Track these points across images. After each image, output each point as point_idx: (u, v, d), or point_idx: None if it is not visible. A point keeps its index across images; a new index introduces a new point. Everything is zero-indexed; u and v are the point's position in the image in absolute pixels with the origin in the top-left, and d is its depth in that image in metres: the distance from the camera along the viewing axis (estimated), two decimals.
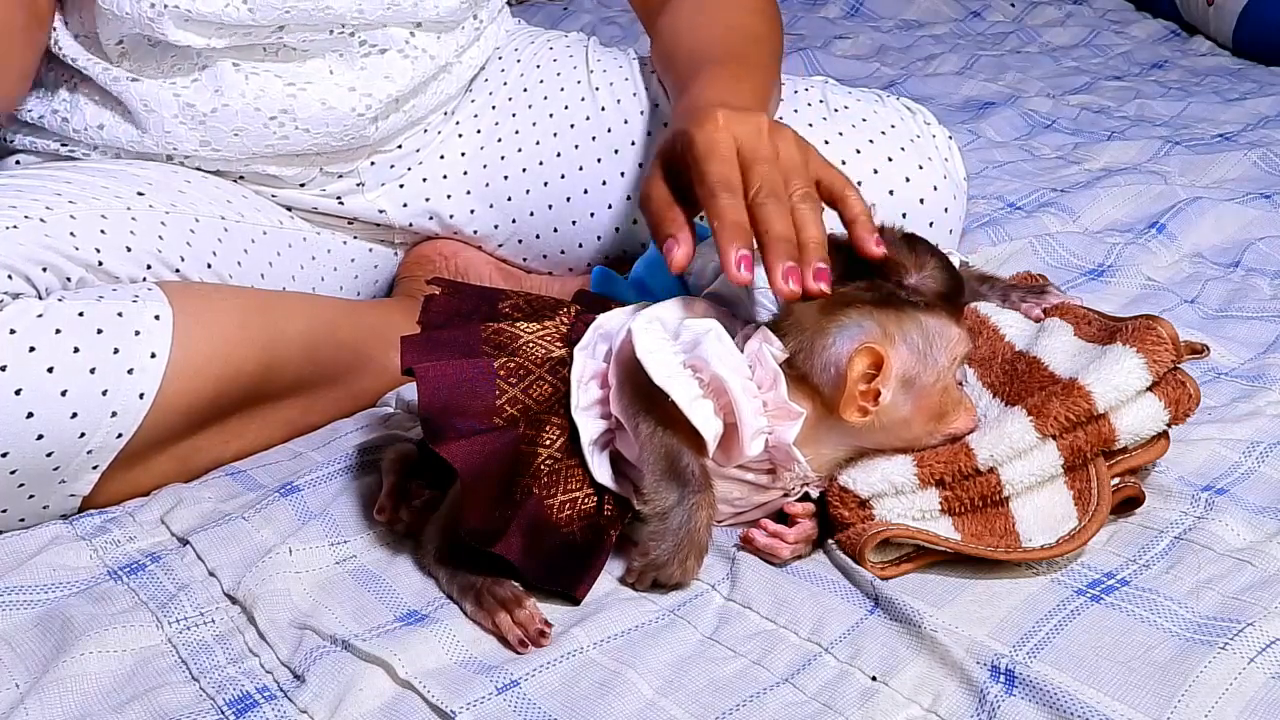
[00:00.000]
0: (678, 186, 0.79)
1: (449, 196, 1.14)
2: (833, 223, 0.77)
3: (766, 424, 0.73)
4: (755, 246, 0.73)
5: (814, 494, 0.77)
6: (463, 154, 1.14)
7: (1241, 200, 1.33)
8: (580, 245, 1.13)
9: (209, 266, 0.96)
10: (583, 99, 1.13)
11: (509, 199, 1.14)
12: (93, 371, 0.81)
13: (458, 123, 1.15)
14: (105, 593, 0.77)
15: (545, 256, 1.15)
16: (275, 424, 0.95)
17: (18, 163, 1.04)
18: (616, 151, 1.11)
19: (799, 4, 2.48)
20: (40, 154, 1.04)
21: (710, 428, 0.71)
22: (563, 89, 1.14)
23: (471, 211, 1.14)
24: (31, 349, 0.79)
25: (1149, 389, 0.76)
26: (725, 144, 0.76)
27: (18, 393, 0.78)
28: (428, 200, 1.14)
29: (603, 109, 1.12)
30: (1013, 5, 2.44)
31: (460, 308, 0.81)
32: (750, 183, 0.75)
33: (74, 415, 0.80)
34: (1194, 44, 2.18)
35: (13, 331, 0.79)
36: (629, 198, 1.10)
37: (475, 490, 0.71)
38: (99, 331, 0.82)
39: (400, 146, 1.11)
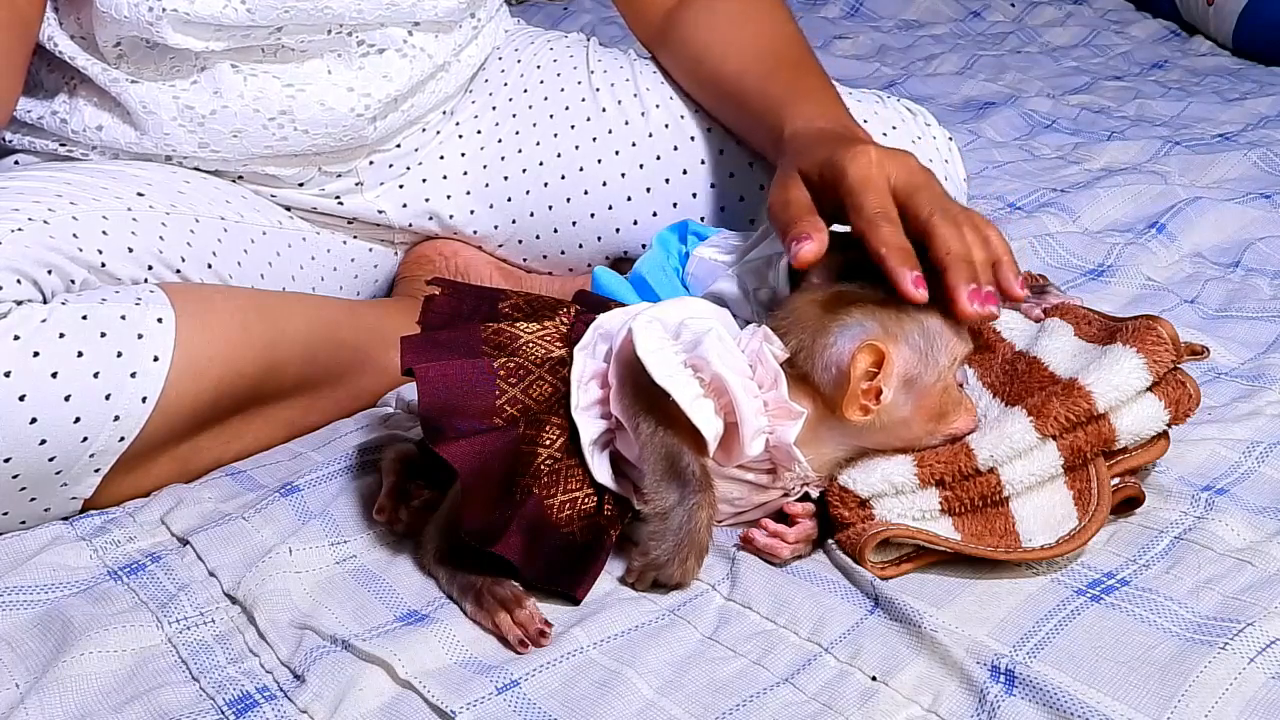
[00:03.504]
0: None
1: (449, 196, 1.14)
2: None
3: (767, 424, 0.73)
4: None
5: (814, 494, 0.77)
6: (462, 154, 1.14)
7: (1241, 200, 1.33)
8: (580, 245, 1.13)
9: (209, 267, 0.96)
10: (583, 99, 1.13)
11: (509, 199, 1.14)
12: (96, 375, 0.81)
13: (457, 123, 1.15)
14: (105, 593, 0.77)
15: (545, 257, 1.15)
16: (276, 424, 0.95)
17: (16, 163, 1.04)
18: (617, 152, 1.11)
19: (799, 4, 2.48)
20: (39, 154, 1.04)
21: (711, 427, 0.71)
22: (563, 89, 1.14)
23: (471, 211, 1.14)
24: (35, 354, 0.79)
25: (1149, 389, 0.76)
26: (880, 178, 0.79)
27: (22, 398, 0.78)
28: (427, 200, 1.14)
29: (603, 110, 1.12)
30: (1013, 5, 2.44)
31: (460, 308, 0.81)
32: (919, 207, 0.77)
33: (77, 419, 0.80)
34: (1194, 44, 2.18)
35: (17, 338, 0.79)
36: (629, 198, 1.10)
37: (475, 490, 0.71)
38: (102, 335, 0.82)
39: (399, 146, 1.11)
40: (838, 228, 0.79)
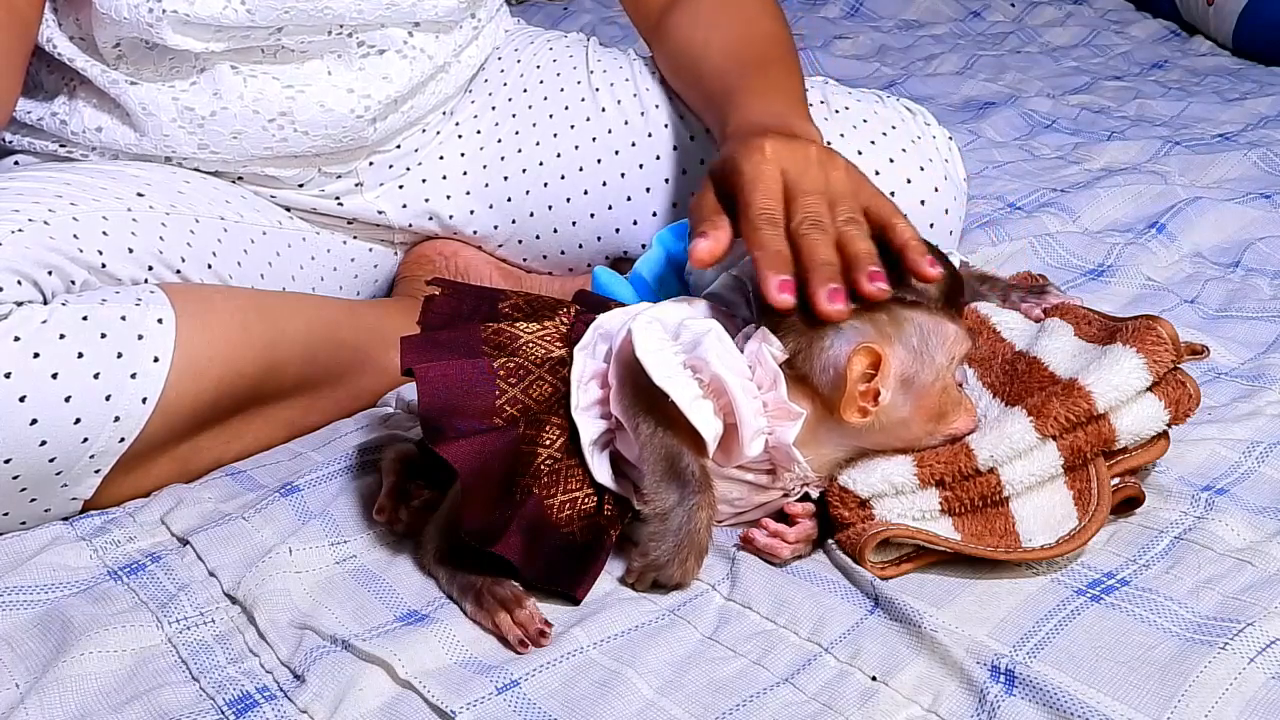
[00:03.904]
0: (728, 208, 0.80)
1: (448, 197, 1.14)
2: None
3: (766, 424, 0.73)
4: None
5: (814, 494, 0.77)
6: (462, 154, 1.14)
7: (1241, 200, 1.33)
8: (580, 245, 1.13)
9: (209, 267, 0.96)
10: (583, 99, 1.13)
11: (509, 199, 1.14)
12: (96, 376, 0.81)
13: (457, 123, 1.15)
14: (105, 593, 0.77)
15: (545, 257, 1.15)
16: (276, 424, 0.95)
17: (16, 163, 1.04)
18: (617, 152, 1.11)
19: (799, 4, 2.48)
20: (39, 155, 1.04)
21: (710, 428, 0.71)
22: (563, 89, 1.14)
23: (471, 212, 1.14)
24: (36, 355, 0.79)
25: (1149, 389, 0.76)
26: (771, 176, 0.78)
27: (22, 399, 0.78)
28: (427, 200, 1.14)
29: (603, 110, 1.12)
30: (1013, 5, 2.44)
31: (460, 308, 0.81)
32: (794, 214, 0.76)
33: (77, 420, 0.80)
34: (1194, 44, 2.18)
35: (17, 339, 0.79)
36: (629, 198, 1.10)
37: (475, 490, 0.71)
38: (103, 336, 0.82)
39: (399, 147, 1.11)
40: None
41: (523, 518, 0.71)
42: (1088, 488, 0.75)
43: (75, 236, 0.86)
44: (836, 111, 1.07)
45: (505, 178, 1.13)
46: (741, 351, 0.74)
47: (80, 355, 0.81)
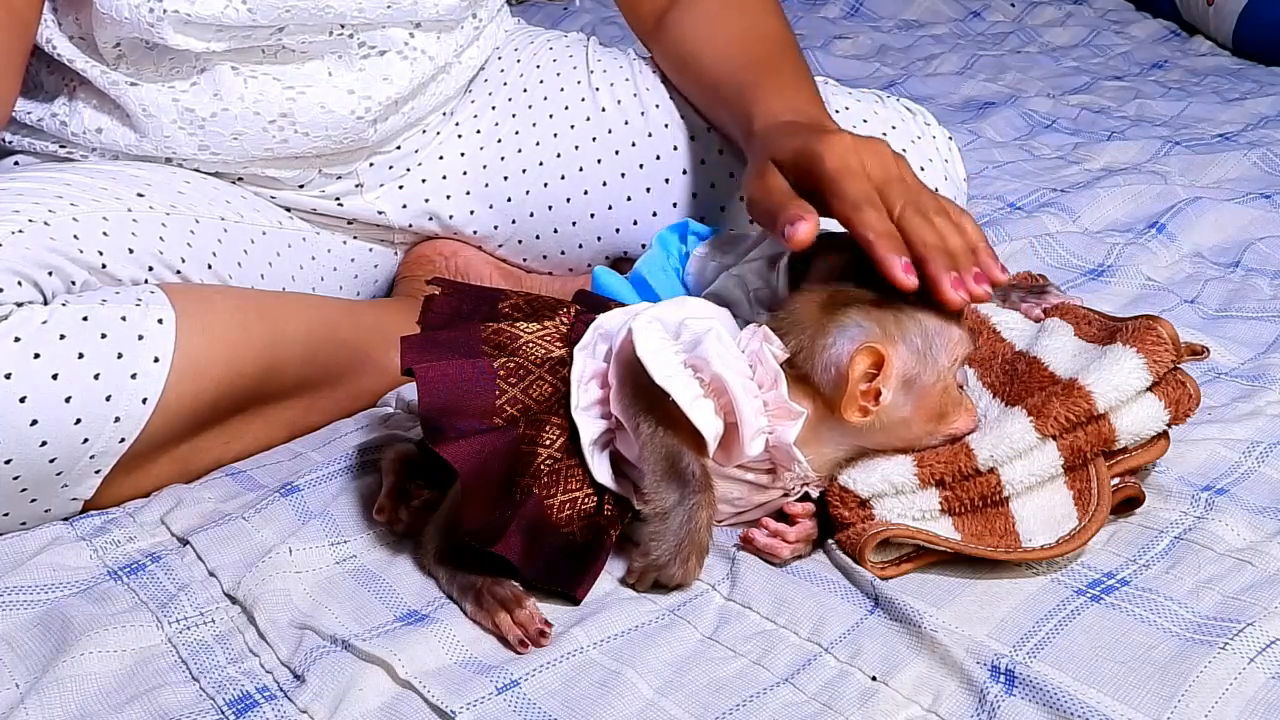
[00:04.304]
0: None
1: (448, 197, 1.14)
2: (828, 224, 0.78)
3: (767, 424, 0.73)
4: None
5: (814, 494, 0.77)
6: (462, 154, 1.14)
7: (1241, 200, 1.33)
8: (580, 245, 1.13)
9: (209, 267, 0.96)
10: (583, 99, 1.13)
11: (509, 199, 1.14)
12: (96, 377, 0.81)
13: (457, 123, 1.15)
14: (105, 593, 0.77)
15: (545, 257, 1.15)
16: (276, 424, 0.95)
17: (16, 164, 1.04)
18: (617, 152, 1.11)
19: (799, 4, 2.48)
20: (39, 155, 1.04)
21: (711, 427, 0.71)
22: (563, 89, 1.14)
23: (471, 212, 1.14)
24: (36, 355, 0.79)
25: (1149, 389, 0.76)
26: (859, 164, 0.78)
27: (22, 400, 0.78)
28: (427, 201, 1.14)
29: (603, 110, 1.12)
30: (1013, 5, 2.44)
31: (460, 308, 0.81)
32: (890, 199, 0.76)
33: (78, 421, 0.80)
34: (1194, 44, 2.18)
35: (17, 339, 0.79)
36: (629, 198, 1.10)
37: (475, 490, 0.71)
38: (103, 336, 0.82)
39: (399, 147, 1.11)
40: (837, 227, 0.79)
41: (523, 518, 0.71)
42: (1088, 488, 0.75)
43: (75, 237, 0.86)
44: (836, 111, 1.07)
45: (505, 178, 1.13)
46: (742, 351, 0.74)
47: (80, 356, 0.81)
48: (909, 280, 0.73)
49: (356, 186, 1.10)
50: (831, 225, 0.78)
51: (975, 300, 0.74)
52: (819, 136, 0.81)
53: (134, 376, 0.82)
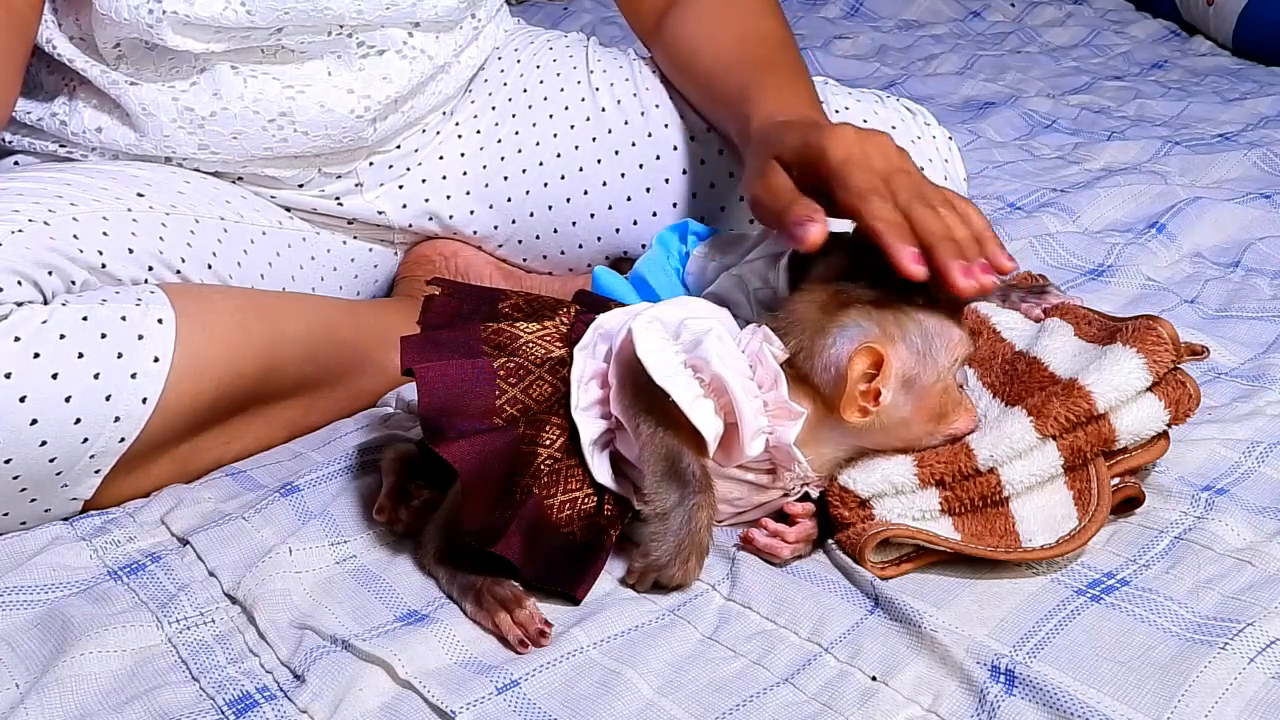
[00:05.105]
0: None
1: (448, 197, 1.14)
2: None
3: (767, 424, 0.73)
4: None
5: (814, 494, 0.77)
6: (462, 154, 1.14)
7: (1241, 200, 1.33)
8: (580, 245, 1.13)
9: (209, 267, 0.96)
10: (583, 99, 1.13)
11: (509, 199, 1.14)
12: (96, 377, 0.81)
13: (457, 123, 1.15)
14: (105, 593, 0.77)
15: (545, 257, 1.15)
16: (276, 424, 0.95)
17: (16, 164, 1.04)
18: (617, 152, 1.11)
19: (799, 4, 2.48)
20: (39, 155, 1.04)
21: (711, 427, 0.71)
22: (563, 89, 1.14)
23: (471, 212, 1.14)
24: (36, 355, 0.79)
25: (1149, 389, 0.76)
26: (863, 155, 0.78)
27: (22, 399, 0.78)
28: (427, 201, 1.14)
29: (603, 110, 1.12)
30: (1013, 5, 2.44)
31: (460, 308, 0.81)
32: (896, 190, 0.76)
33: (77, 420, 0.80)
34: (1194, 44, 2.18)
35: (17, 339, 0.79)
36: (629, 198, 1.10)
37: (475, 490, 0.71)
38: (103, 336, 0.82)
39: (399, 147, 1.11)
40: (836, 225, 0.78)
41: (523, 518, 0.71)
42: (1088, 488, 0.75)
43: (75, 237, 0.86)
44: (836, 112, 1.07)
45: (505, 178, 1.13)
46: (742, 351, 0.74)
47: (80, 355, 0.81)
48: (918, 270, 0.72)
49: (356, 186, 1.10)
50: (835, 224, 0.78)
51: (983, 289, 0.73)
52: (822, 130, 0.80)
53: (134, 376, 0.82)
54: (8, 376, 0.78)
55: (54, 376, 0.79)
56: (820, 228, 0.76)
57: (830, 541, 0.76)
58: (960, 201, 0.77)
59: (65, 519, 0.85)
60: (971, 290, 0.72)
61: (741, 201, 1.09)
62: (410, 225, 1.14)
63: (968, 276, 0.72)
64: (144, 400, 0.83)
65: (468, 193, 1.14)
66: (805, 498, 0.77)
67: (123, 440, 0.83)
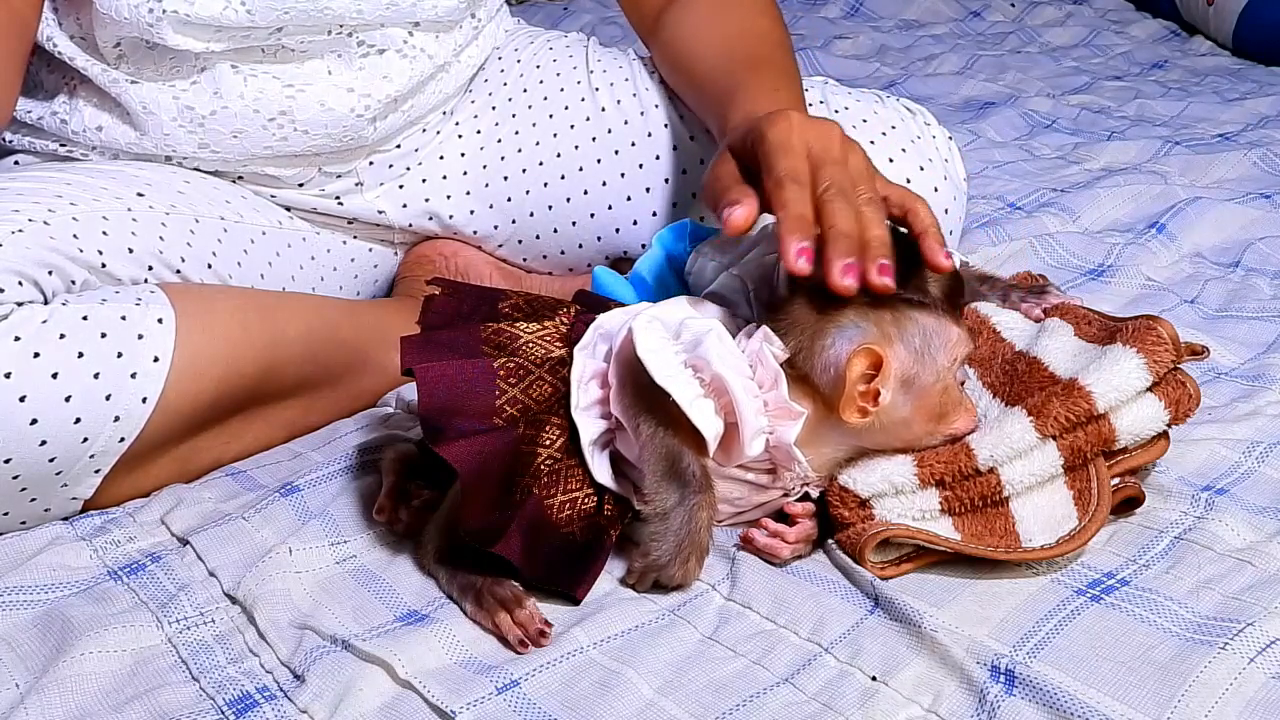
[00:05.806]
0: (749, 182, 0.80)
1: (448, 197, 1.14)
2: None
3: (767, 424, 0.73)
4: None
5: (814, 494, 0.77)
6: (462, 154, 1.14)
7: (1241, 200, 1.33)
8: (580, 245, 1.13)
9: (209, 267, 0.96)
10: (583, 99, 1.13)
11: (509, 199, 1.14)
12: (96, 376, 0.81)
13: (457, 123, 1.15)
14: (105, 593, 0.77)
15: (545, 257, 1.15)
16: (276, 424, 0.95)
17: (16, 163, 1.04)
18: (617, 152, 1.11)
19: (799, 4, 2.48)
20: (39, 154, 1.04)
21: (711, 427, 0.71)
22: (563, 89, 1.14)
23: (471, 212, 1.14)
24: (36, 355, 0.79)
25: (1149, 389, 0.76)
26: (798, 142, 0.77)
27: (22, 399, 0.78)
28: (427, 200, 1.14)
29: (603, 109, 1.12)
30: (1013, 5, 2.44)
31: (460, 308, 0.81)
32: (819, 181, 0.75)
33: (77, 420, 0.80)
34: (1194, 44, 2.18)
35: (17, 339, 0.79)
36: (629, 198, 1.10)
37: (475, 490, 0.71)
38: (103, 336, 0.82)
39: (399, 146, 1.11)
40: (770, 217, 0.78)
41: (523, 518, 0.71)
42: (1088, 488, 0.75)
43: (75, 236, 0.86)
44: (836, 111, 1.07)
45: (505, 177, 1.13)
46: (742, 351, 0.74)
47: (80, 355, 0.81)
48: (798, 264, 0.71)
49: (356, 185, 1.10)
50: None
51: (875, 290, 0.71)
52: (768, 116, 0.80)
53: (134, 376, 0.82)
54: (8, 376, 0.78)
55: (54, 376, 0.79)
56: (745, 211, 0.76)
57: (830, 541, 0.76)
58: (908, 198, 0.77)
59: (65, 519, 0.85)
60: (843, 289, 0.71)
61: None
62: (410, 225, 1.14)
63: (846, 274, 0.71)
64: (144, 400, 0.83)
65: (468, 192, 1.14)
66: (805, 498, 0.77)
67: (123, 440, 0.83)
